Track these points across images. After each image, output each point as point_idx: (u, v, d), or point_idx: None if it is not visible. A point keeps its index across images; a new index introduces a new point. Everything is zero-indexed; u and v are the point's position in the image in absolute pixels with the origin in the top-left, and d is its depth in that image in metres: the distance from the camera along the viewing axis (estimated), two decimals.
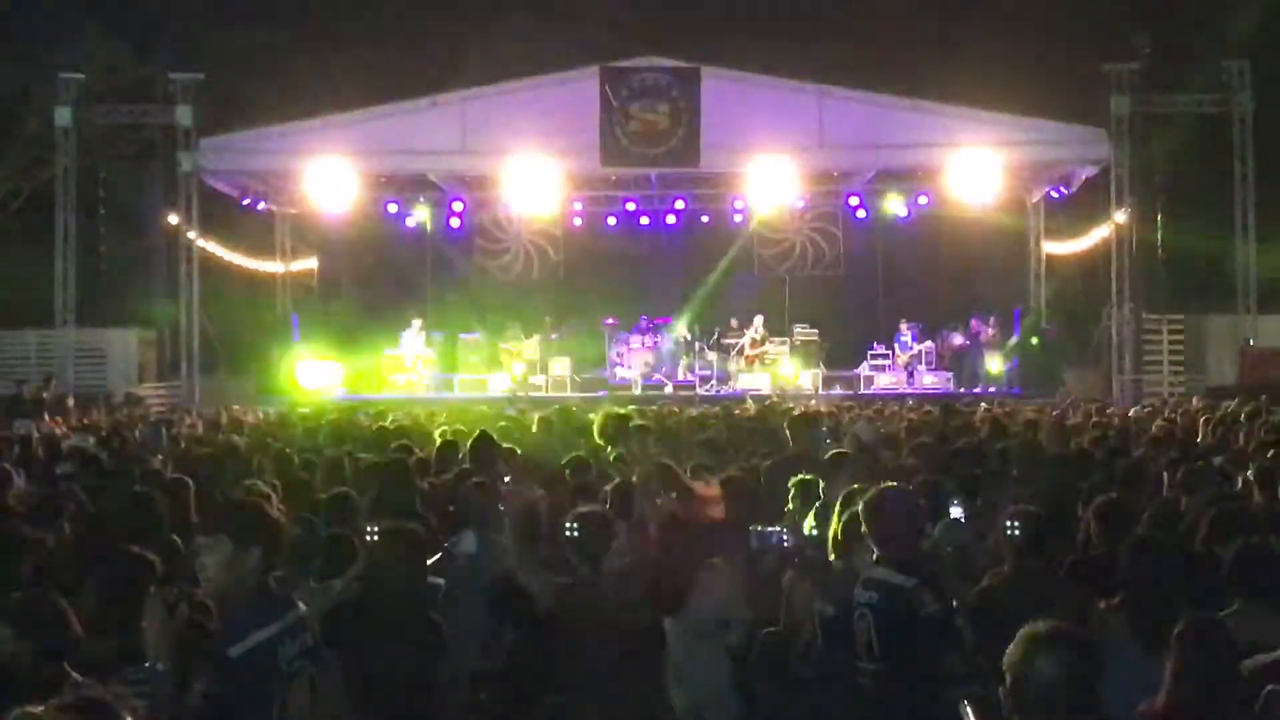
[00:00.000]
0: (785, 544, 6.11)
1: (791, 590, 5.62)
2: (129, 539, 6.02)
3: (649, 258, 27.22)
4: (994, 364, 24.37)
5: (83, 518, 7.05)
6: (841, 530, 5.65)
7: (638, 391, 23.46)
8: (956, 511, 6.38)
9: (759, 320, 25.34)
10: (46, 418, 17.14)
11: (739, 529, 6.63)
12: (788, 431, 9.24)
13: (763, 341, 25.08)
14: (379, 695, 4.88)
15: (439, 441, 10.07)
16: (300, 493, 7.67)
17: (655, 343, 25.42)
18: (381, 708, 4.87)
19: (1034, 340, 24.67)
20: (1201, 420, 12.30)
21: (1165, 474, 8.14)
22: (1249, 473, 7.86)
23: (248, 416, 16.41)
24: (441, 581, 5.83)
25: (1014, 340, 24.91)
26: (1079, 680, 3.30)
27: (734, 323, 25.52)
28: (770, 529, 6.18)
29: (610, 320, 25.94)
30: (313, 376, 24.43)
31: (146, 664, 3.88)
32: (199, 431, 14.10)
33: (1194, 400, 18.09)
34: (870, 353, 25.46)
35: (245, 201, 25.80)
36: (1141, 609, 4.79)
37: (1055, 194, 25.49)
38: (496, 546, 6.72)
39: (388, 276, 27.25)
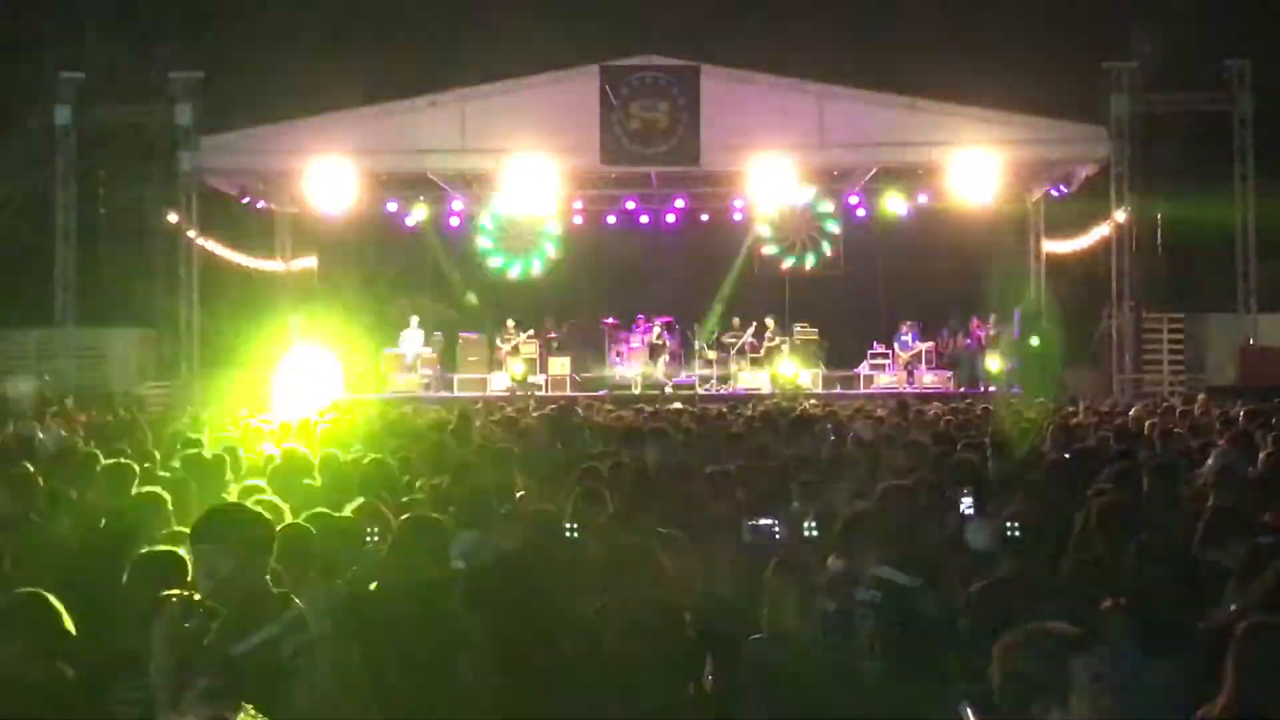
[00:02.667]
0: (779, 537, 6.09)
1: (776, 593, 5.61)
2: (130, 540, 6.03)
3: (649, 257, 27.22)
4: (994, 364, 24.37)
5: (83, 519, 7.05)
6: (844, 529, 5.66)
7: (637, 391, 23.49)
8: (966, 505, 6.31)
9: (770, 321, 25.33)
10: (47, 418, 17.10)
11: (730, 524, 6.63)
12: (788, 432, 9.25)
13: (774, 340, 25.05)
14: (397, 687, 4.88)
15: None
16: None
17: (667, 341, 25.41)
18: (399, 700, 4.86)
19: (1034, 340, 24.66)
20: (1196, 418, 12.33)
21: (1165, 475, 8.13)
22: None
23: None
24: (463, 564, 5.82)
25: (1014, 340, 24.90)
26: (1059, 678, 3.30)
27: (736, 322, 25.53)
28: (763, 522, 6.15)
29: (610, 320, 25.95)
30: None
31: (152, 665, 3.87)
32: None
33: (1199, 398, 18.05)
34: (870, 352, 25.50)
35: (245, 201, 25.79)
36: (1143, 611, 4.79)
37: (1055, 193, 25.48)
38: (496, 548, 6.70)
39: (388, 276, 27.24)
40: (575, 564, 5.91)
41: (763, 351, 25.05)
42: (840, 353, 26.11)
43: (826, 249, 27.15)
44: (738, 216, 26.53)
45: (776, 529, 6.10)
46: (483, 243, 26.14)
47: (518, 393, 22.78)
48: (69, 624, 4.40)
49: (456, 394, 23.41)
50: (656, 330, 25.04)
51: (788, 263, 26.86)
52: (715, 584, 6.29)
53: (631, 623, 5.37)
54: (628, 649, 5.35)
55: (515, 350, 24.78)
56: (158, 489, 6.95)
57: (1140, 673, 4.45)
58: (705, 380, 24.63)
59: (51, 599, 4.45)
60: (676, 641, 5.54)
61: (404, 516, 5.98)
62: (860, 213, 26.67)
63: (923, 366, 25.12)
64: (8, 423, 15.06)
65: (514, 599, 5.74)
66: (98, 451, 9.55)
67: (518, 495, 8.15)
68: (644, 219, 26.98)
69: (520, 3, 28.19)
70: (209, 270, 24.86)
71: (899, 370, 25.08)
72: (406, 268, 27.32)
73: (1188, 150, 24.47)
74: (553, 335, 25.80)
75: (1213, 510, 6.08)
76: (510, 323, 25.23)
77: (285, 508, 6.40)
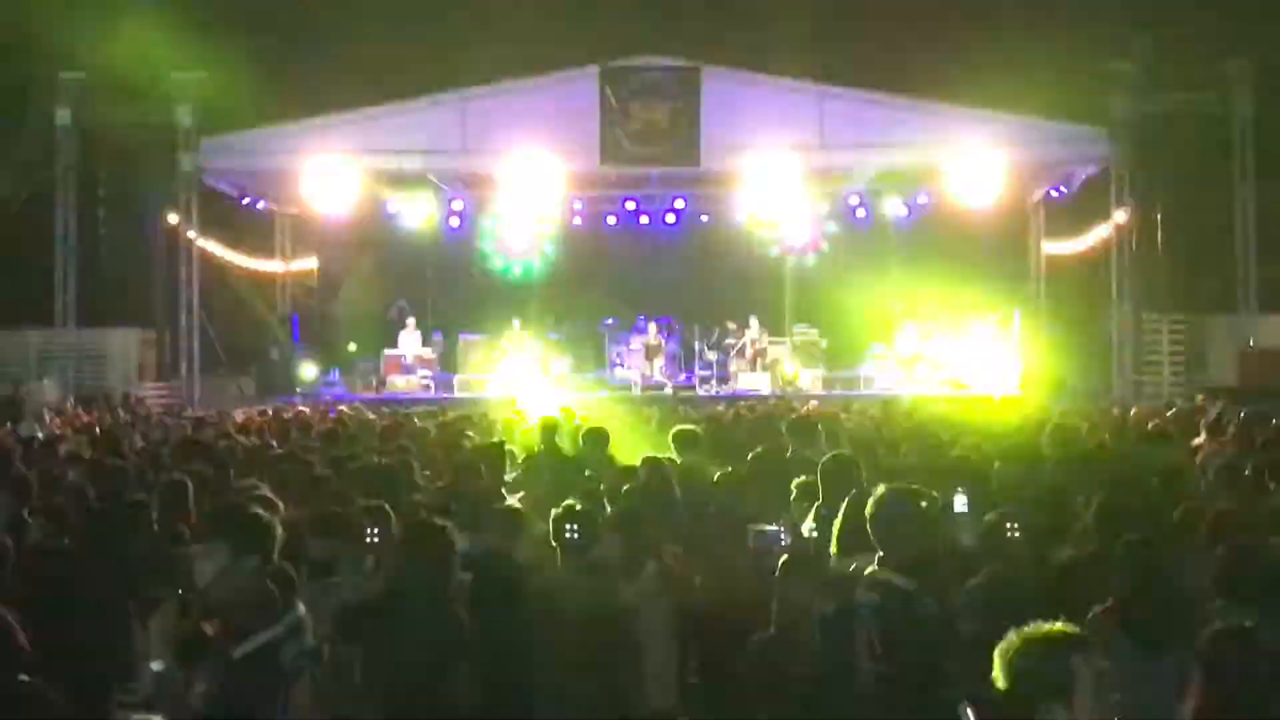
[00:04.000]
0: (784, 544, 6.08)
1: (785, 592, 5.61)
2: (125, 543, 6.03)
3: (649, 258, 27.21)
4: (993, 364, 24.36)
5: (81, 521, 7.04)
6: (842, 531, 5.65)
7: (637, 392, 23.49)
8: (960, 504, 6.30)
9: (754, 321, 25.33)
10: (47, 418, 17.11)
11: (733, 526, 6.63)
12: (788, 433, 9.25)
13: (760, 341, 25.10)
14: (399, 690, 4.87)
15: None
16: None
17: (663, 343, 25.42)
18: (401, 703, 4.86)
19: (1034, 341, 24.66)
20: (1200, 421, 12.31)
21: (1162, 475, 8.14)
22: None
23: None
24: (469, 576, 5.82)
25: (1014, 342, 24.90)
26: (1061, 677, 3.29)
27: (733, 324, 25.54)
28: (769, 528, 6.14)
29: (610, 320, 25.94)
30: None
31: (151, 665, 3.87)
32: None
33: (1198, 398, 18.05)
34: (871, 352, 25.49)
35: (245, 201, 25.81)
36: (1135, 610, 4.79)
37: (1055, 194, 25.50)
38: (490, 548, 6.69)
39: (388, 276, 27.24)
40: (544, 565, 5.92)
41: (750, 353, 25.07)
42: (840, 353, 26.11)
43: (826, 249, 27.18)
44: (738, 217, 26.52)
45: (782, 535, 6.09)
46: (483, 243, 26.17)
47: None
48: (20, 637, 4.35)
49: (457, 395, 23.38)
50: (652, 330, 25.06)
51: (787, 263, 26.89)
52: (719, 586, 6.31)
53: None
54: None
55: (520, 353, 24.77)
56: (142, 495, 6.95)
57: (1139, 673, 4.45)
58: (705, 381, 24.62)
59: (5, 615, 4.40)
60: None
61: (409, 522, 5.97)
62: (860, 213, 26.66)
63: (922, 366, 25.11)
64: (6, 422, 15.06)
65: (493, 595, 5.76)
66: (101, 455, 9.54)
67: (518, 496, 8.15)
68: (644, 219, 26.97)
69: (520, 3, 28.17)
70: (209, 270, 24.86)
71: (899, 371, 25.08)
72: (406, 268, 27.31)
73: (1188, 151, 24.44)
74: (553, 336, 25.79)
75: (1215, 513, 6.09)
76: (517, 323, 25.23)
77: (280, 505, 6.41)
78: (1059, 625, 3.47)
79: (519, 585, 5.90)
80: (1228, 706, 3.86)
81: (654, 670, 5.90)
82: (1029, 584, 5.56)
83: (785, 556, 5.86)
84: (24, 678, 4.17)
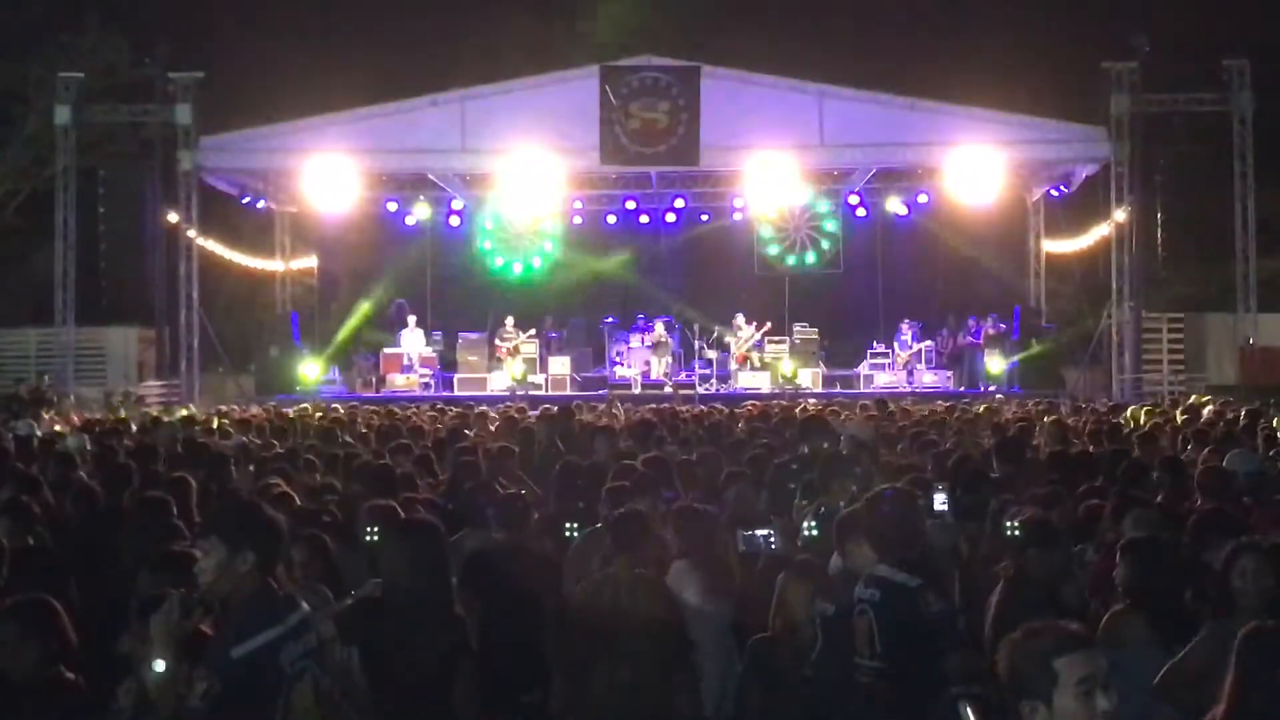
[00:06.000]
0: (774, 547, 6.06)
1: (784, 593, 5.61)
2: (130, 541, 6.03)
3: (649, 257, 27.21)
4: (994, 363, 24.37)
5: (82, 519, 7.04)
6: (842, 530, 5.66)
7: (637, 390, 23.48)
8: (940, 502, 6.26)
9: (740, 318, 25.24)
10: (46, 417, 17.11)
11: (730, 527, 6.63)
12: (787, 433, 9.25)
13: (749, 340, 25.01)
14: (401, 692, 4.86)
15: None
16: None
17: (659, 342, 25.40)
18: (404, 705, 4.85)
19: (1034, 340, 24.66)
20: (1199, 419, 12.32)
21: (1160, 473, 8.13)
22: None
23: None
24: (453, 579, 5.83)
25: (1014, 340, 24.90)
26: (1042, 678, 3.28)
27: (738, 322, 25.54)
28: (758, 532, 6.11)
29: (610, 320, 25.95)
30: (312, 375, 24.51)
31: (150, 663, 3.86)
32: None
33: (1196, 397, 18.05)
34: (870, 352, 25.51)
35: (245, 200, 25.80)
36: (1150, 609, 4.79)
37: (1055, 193, 25.51)
38: (495, 546, 6.70)
39: (388, 276, 27.24)
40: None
41: (736, 351, 25.01)
42: (840, 352, 26.12)
43: (826, 248, 27.19)
44: (737, 216, 26.53)
45: (773, 539, 6.06)
46: (483, 242, 26.16)
47: (517, 393, 22.75)
48: (71, 631, 4.39)
49: (456, 394, 23.37)
50: (660, 329, 25.06)
51: (787, 262, 26.89)
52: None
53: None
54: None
55: (515, 350, 24.76)
56: (160, 492, 6.95)
57: (1153, 671, 4.45)
58: (705, 380, 24.63)
59: (56, 604, 4.44)
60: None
61: (408, 520, 5.97)
62: (860, 213, 26.68)
63: (922, 366, 25.13)
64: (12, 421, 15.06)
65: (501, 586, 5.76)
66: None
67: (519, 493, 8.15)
68: (644, 219, 26.97)
69: (520, 3, 28.21)
70: (209, 270, 24.86)
71: (899, 370, 25.09)
72: (406, 268, 27.30)
73: (1187, 150, 24.48)
74: (553, 335, 25.79)
75: (1204, 510, 6.09)
76: (509, 322, 25.22)
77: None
78: (1053, 624, 3.45)
79: (519, 580, 5.90)
80: (1260, 702, 3.82)
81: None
82: (1031, 584, 5.56)
83: (796, 560, 5.86)
84: (67, 673, 4.17)
